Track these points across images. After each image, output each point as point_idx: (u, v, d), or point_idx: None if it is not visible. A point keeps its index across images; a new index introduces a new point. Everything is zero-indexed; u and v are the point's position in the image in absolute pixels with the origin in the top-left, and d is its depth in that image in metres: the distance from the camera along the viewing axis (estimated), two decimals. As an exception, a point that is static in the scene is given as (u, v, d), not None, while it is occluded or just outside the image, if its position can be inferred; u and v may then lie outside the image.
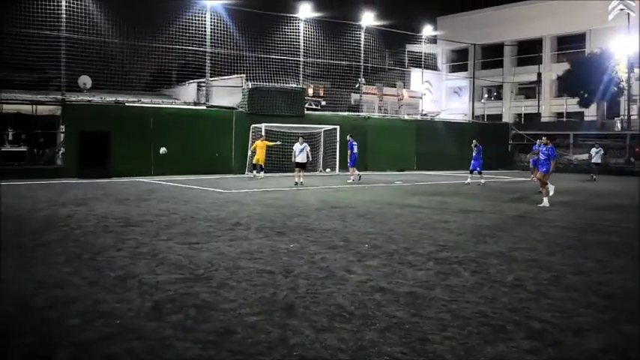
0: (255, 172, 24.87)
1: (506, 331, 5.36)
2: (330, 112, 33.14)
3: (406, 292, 6.63)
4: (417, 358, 4.70)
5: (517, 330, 5.39)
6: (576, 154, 38.65)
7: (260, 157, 24.62)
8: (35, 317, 5.56)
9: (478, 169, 23.93)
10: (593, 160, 30.34)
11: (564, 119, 49.97)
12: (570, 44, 53.40)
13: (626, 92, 42.49)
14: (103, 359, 4.59)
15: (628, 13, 41.30)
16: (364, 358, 4.64)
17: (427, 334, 5.25)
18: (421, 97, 43.26)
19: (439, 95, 55.18)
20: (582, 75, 43.10)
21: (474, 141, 24.42)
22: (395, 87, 42.11)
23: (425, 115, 41.56)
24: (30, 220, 11.85)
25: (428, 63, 53.06)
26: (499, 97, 58.72)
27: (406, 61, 47.82)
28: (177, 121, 26.36)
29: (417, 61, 45.50)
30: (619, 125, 40.99)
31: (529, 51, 53.95)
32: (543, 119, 49.73)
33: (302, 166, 22.27)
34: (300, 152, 22.28)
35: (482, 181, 23.65)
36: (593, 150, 30.58)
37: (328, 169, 30.01)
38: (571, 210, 15.44)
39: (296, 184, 21.26)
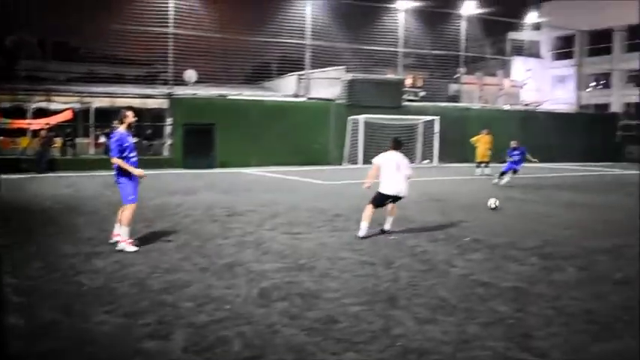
0: (480, 170, 23.71)
1: (614, 329, 5.24)
2: (429, 103, 32.77)
3: (509, 286, 6.57)
4: (521, 353, 4.69)
5: (626, 328, 5.25)
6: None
7: (481, 152, 23.82)
8: (153, 299, 5.94)
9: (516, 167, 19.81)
10: None
11: (680, 108, 47.01)
12: (688, 28, 50.17)
13: None
14: (216, 341, 4.86)
15: None
16: (467, 351, 4.68)
17: (531, 329, 5.21)
18: (522, 87, 42.01)
19: (543, 84, 53.32)
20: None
21: (514, 142, 20.40)
22: (495, 76, 41.12)
23: (527, 104, 40.36)
24: (142, 207, 12.51)
25: (531, 50, 51.44)
26: (607, 86, 56.05)
27: (508, 49, 46.54)
28: (278, 113, 26.93)
29: (520, 49, 44.19)
30: None
31: (641, 36, 51.15)
32: (655, 108, 47.04)
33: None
34: None
35: (505, 180, 19.47)
36: None
37: (427, 161, 29.76)
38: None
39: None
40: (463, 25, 36.18)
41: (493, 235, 9.73)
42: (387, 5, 33.26)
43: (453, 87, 37.92)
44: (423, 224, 10.53)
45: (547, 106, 42.58)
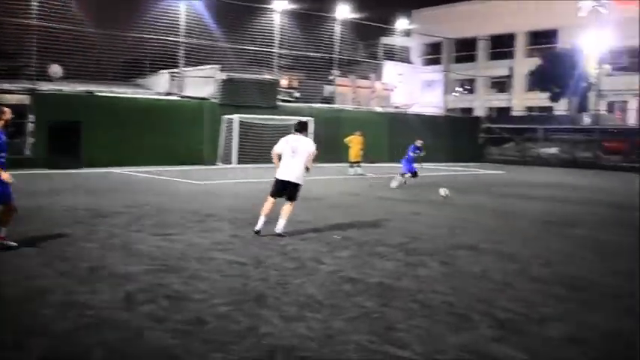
0: (353, 170, 24.61)
1: (472, 320, 5.51)
2: (304, 104, 33.13)
3: (375, 282, 6.75)
4: (384, 346, 4.82)
5: (482, 319, 5.55)
6: (545, 147, 39.21)
7: (354, 153, 24.55)
8: (10, 308, 5.56)
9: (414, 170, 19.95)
10: None
11: (534, 113, 50.62)
12: (542, 39, 54.07)
13: (594, 87, 43.20)
14: (75, 350, 4.62)
15: (598, 10, 41.98)
16: (332, 346, 4.75)
17: (394, 323, 5.38)
18: (393, 90, 43.48)
19: (412, 88, 55.43)
20: (553, 70, 43.75)
21: (419, 142, 20.49)
22: (368, 79, 42.26)
23: (397, 107, 41.79)
24: None
25: (402, 56, 53.29)
26: (472, 91, 59.21)
27: (380, 53, 47.94)
28: (150, 112, 26.15)
29: (391, 54, 45.70)
30: (587, 120, 41.63)
31: (502, 45, 54.50)
32: (515, 113, 50.37)
33: None
34: None
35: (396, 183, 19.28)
36: None
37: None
38: (543, 202, 15.73)
39: None
40: (337, 29, 36.90)
41: (362, 232, 9.98)
42: (263, 5, 33.31)
43: (328, 89, 38.54)
44: (295, 223, 10.59)
45: (416, 109, 44.28)
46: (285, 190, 9.49)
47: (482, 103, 56.65)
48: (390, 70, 46.25)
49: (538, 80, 46.06)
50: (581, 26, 44.08)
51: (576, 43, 44.32)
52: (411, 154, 19.75)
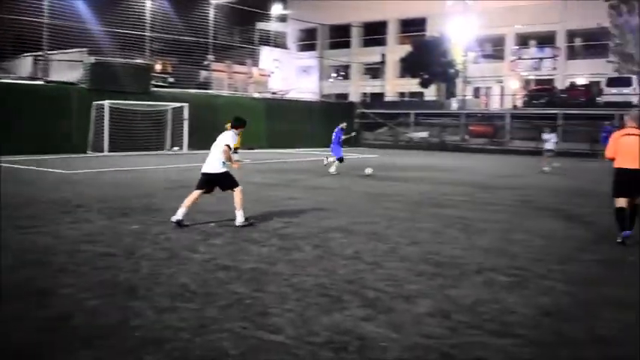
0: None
1: (343, 301, 5.67)
2: (178, 90, 32.43)
3: (249, 268, 6.78)
4: (257, 332, 4.85)
5: (353, 299, 5.72)
6: (417, 132, 40.77)
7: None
8: None
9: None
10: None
11: (406, 99, 52.44)
12: (412, 27, 55.99)
13: (461, 74, 45.38)
14: None
15: (465, 0, 44.03)
16: (205, 335, 4.72)
17: (268, 307, 5.43)
18: (269, 76, 43.48)
19: (289, 74, 55.67)
20: (422, 57, 45.46)
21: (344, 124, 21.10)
22: (245, 65, 41.99)
23: (274, 93, 41.88)
24: None
25: (278, 41, 53.35)
26: (346, 77, 60.39)
27: (256, 39, 47.74)
28: (11, 97, 24.58)
29: (267, 40, 45.65)
30: (455, 105, 43.68)
31: (374, 32, 55.96)
32: (387, 98, 51.91)
33: None
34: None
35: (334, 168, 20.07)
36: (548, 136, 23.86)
37: (176, 148, 29.45)
38: (414, 184, 16.37)
39: None
40: (212, 13, 36.33)
41: (235, 219, 9.94)
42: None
43: (203, 74, 37.94)
44: (169, 212, 10.35)
45: (293, 95, 44.58)
46: (207, 183, 9.58)
47: (356, 88, 57.97)
48: (267, 55, 46.18)
49: (409, 67, 47.70)
50: (449, 15, 46.14)
51: (444, 31, 46.31)
52: (343, 136, 20.18)
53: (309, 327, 4.98)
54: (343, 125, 20.58)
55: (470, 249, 8.10)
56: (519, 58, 51.65)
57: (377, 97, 51.35)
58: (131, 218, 9.88)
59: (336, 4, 55.36)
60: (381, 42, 53.47)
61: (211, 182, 9.54)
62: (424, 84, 47.50)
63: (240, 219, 9.36)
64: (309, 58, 56.59)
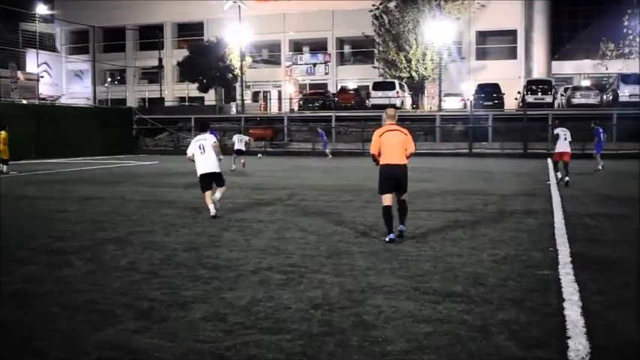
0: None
1: (115, 315, 5.46)
2: None
3: (13, 290, 6.26)
4: (21, 357, 4.51)
5: (126, 312, 5.53)
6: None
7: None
8: None
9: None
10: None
11: (186, 103, 52.05)
12: (190, 32, 55.71)
13: (239, 79, 46.12)
14: None
15: (239, 6, 44.78)
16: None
17: (33, 331, 5.06)
18: (38, 80, 40.60)
19: (59, 78, 52.45)
20: (200, 61, 45.44)
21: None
22: (8, 68, 38.73)
23: (44, 99, 39.18)
24: None
25: (45, 44, 49.97)
26: (123, 82, 58.34)
27: (20, 40, 44.30)
28: None
29: (33, 42, 42.52)
30: (234, 109, 44.26)
31: (151, 36, 54.73)
32: (167, 103, 51.11)
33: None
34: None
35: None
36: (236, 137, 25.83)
37: None
38: (193, 190, 16.25)
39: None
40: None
41: (0, 238, 9.15)
42: None
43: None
44: None
45: (65, 100, 42.08)
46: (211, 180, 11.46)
47: (133, 94, 56.22)
48: (33, 58, 43.05)
49: (187, 71, 47.39)
50: (226, 20, 46.64)
51: (221, 35, 46.71)
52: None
53: (78, 346, 4.72)
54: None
55: (247, 250, 8.25)
56: (294, 64, 53.83)
57: (156, 102, 50.30)
58: None
59: (110, 6, 53.24)
60: (158, 46, 52.51)
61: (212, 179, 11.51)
62: (203, 88, 47.55)
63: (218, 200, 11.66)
64: (82, 62, 53.76)
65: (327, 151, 33.14)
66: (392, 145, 8.78)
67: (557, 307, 5.55)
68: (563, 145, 17.27)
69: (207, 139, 11.35)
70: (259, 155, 26.60)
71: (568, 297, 5.85)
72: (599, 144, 22.72)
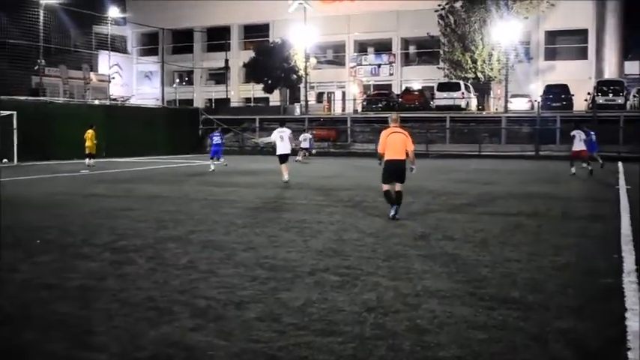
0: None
1: (173, 313, 5.58)
2: (5, 97, 30.27)
3: (76, 285, 6.49)
4: (81, 352, 4.66)
5: (183, 310, 5.64)
6: (262, 137, 41.04)
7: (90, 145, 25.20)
8: None
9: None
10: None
11: (251, 104, 52.70)
12: (256, 33, 56.35)
13: (304, 80, 46.37)
14: None
15: (305, 7, 45.06)
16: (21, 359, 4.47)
17: (93, 326, 5.22)
18: (109, 81, 41.93)
19: (129, 79, 54.00)
20: (266, 62, 45.93)
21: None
22: (81, 70, 40.18)
23: (114, 99, 40.44)
24: None
25: (117, 46, 51.55)
26: (190, 83, 59.57)
27: (93, 43, 45.81)
28: None
29: (105, 44, 43.97)
30: (298, 110, 44.54)
31: (218, 38, 55.71)
32: (233, 104, 51.87)
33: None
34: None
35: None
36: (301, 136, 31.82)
37: (5, 160, 27.47)
38: (254, 190, 16.48)
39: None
40: (42, 14, 34.35)
41: (67, 234, 9.50)
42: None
43: (35, 79, 35.82)
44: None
45: (135, 101, 43.30)
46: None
47: (200, 94, 57.33)
48: (106, 60, 44.50)
49: (253, 72, 48.00)
50: (291, 21, 47.00)
51: (287, 37, 47.08)
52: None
53: (135, 342, 4.86)
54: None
55: (304, 251, 8.30)
56: (359, 64, 53.73)
57: (222, 103, 51.15)
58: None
59: (178, 8, 54.50)
60: (225, 47, 53.40)
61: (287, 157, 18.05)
62: (268, 89, 48.03)
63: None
64: (151, 64, 55.21)
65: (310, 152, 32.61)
66: (395, 144, 10.73)
67: (619, 317, 5.35)
68: (580, 145, 21.13)
69: (286, 132, 18.11)
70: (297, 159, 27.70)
71: (630, 307, 5.64)
72: (592, 144, 24.31)
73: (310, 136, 32.99)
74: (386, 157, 10.80)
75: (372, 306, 5.78)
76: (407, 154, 10.90)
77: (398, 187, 10.89)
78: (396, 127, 10.97)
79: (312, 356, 4.57)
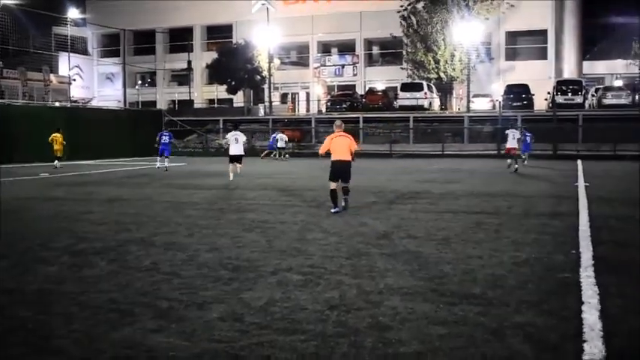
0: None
1: (134, 315, 5.52)
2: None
3: (34, 289, 6.38)
4: (39, 356, 4.59)
5: (145, 312, 5.59)
6: (224, 138, 40.92)
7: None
8: None
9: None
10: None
11: (215, 105, 52.40)
12: (219, 34, 56.07)
13: (267, 81, 46.28)
14: None
15: (267, 8, 44.98)
16: (-25, 366, 4.38)
17: (53, 330, 5.15)
18: (70, 83, 41.28)
19: (91, 81, 53.24)
20: (229, 64, 45.73)
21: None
22: (41, 72, 39.48)
23: (75, 101, 39.82)
24: None
25: (77, 47, 50.77)
26: (153, 84, 58.98)
27: (53, 44, 45.05)
28: None
29: (65, 45, 43.26)
30: (262, 111, 44.44)
31: (180, 39, 55.27)
32: (196, 106, 51.52)
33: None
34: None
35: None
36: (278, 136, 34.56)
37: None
38: (217, 191, 16.39)
39: None
40: (-2, 16, 33.72)
41: (25, 238, 9.33)
42: None
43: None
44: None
45: (96, 103, 42.70)
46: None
47: (163, 96, 56.80)
48: (66, 62, 43.80)
49: (216, 73, 47.76)
50: (254, 22, 46.87)
51: (250, 38, 46.94)
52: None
53: (95, 345, 4.80)
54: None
55: (268, 251, 8.29)
56: (322, 65, 53.86)
57: (185, 104, 50.76)
58: None
59: (140, 9, 53.92)
60: (187, 48, 52.99)
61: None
62: (232, 90, 47.84)
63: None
64: (113, 65, 54.52)
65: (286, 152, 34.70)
66: (340, 146, 12.00)
67: (576, 311, 5.47)
68: (512, 143, 23.13)
69: (241, 135, 19.70)
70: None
71: (587, 300, 5.77)
72: (527, 144, 27.05)
73: (285, 137, 34.84)
74: (332, 158, 12.07)
75: (334, 304, 5.80)
76: (352, 156, 12.17)
77: (343, 185, 12.10)
78: (340, 132, 12.24)
79: (275, 355, 4.57)
